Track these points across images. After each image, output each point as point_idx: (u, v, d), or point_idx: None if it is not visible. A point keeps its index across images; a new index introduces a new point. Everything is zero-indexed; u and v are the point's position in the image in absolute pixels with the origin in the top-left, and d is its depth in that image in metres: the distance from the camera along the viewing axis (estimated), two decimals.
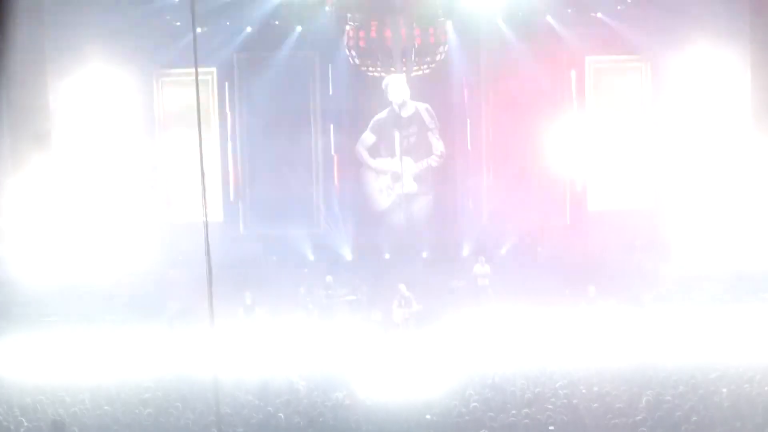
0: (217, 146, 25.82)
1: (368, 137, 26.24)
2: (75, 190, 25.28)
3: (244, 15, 24.99)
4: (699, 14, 23.75)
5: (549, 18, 24.95)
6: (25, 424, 15.42)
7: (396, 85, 25.05)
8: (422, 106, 25.77)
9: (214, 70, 25.41)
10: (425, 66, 18.18)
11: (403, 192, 25.74)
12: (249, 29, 25.32)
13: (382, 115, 25.94)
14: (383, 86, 25.15)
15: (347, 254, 25.88)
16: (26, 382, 18.53)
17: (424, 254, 25.90)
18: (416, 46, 17.69)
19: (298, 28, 25.16)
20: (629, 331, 22.94)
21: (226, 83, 25.69)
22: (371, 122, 26.14)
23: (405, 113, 25.71)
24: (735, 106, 24.70)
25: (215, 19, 24.76)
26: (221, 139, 25.88)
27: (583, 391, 16.54)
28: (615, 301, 23.36)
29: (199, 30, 24.43)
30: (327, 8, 18.00)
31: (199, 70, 24.22)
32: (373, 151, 26.15)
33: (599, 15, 24.82)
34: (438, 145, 25.76)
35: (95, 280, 24.28)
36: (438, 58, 18.48)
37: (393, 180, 25.83)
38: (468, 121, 25.80)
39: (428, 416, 15.82)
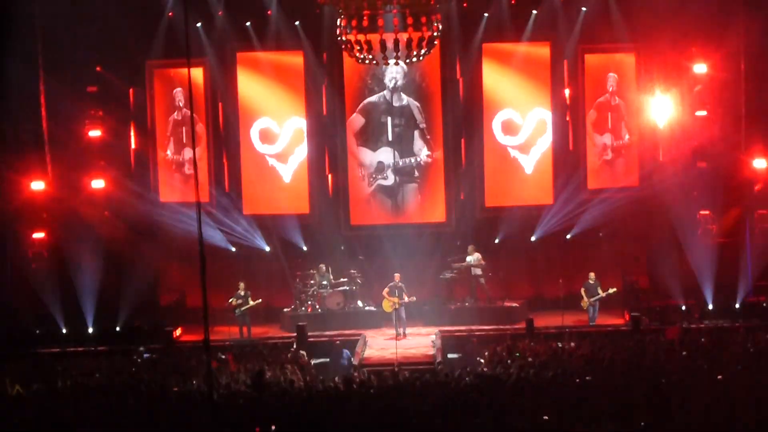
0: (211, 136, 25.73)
1: (357, 120, 25.75)
2: None
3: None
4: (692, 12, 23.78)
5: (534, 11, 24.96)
6: None
7: (392, 69, 24.58)
8: (414, 103, 25.48)
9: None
10: (417, 56, 18.08)
11: (394, 180, 25.60)
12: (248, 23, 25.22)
13: (373, 99, 25.70)
14: (381, 69, 24.46)
15: (340, 243, 25.82)
16: None
17: (418, 243, 25.87)
18: (408, 35, 17.61)
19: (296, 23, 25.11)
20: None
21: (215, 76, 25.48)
22: (361, 104, 25.59)
23: (397, 102, 25.49)
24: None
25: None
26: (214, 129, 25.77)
27: None
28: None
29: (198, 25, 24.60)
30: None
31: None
32: (360, 135, 25.64)
33: (584, 9, 24.80)
34: (423, 147, 25.40)
35: None
36: (431, 47, 18.37)
37: (382, 168, 25.62)
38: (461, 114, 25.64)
39: None
